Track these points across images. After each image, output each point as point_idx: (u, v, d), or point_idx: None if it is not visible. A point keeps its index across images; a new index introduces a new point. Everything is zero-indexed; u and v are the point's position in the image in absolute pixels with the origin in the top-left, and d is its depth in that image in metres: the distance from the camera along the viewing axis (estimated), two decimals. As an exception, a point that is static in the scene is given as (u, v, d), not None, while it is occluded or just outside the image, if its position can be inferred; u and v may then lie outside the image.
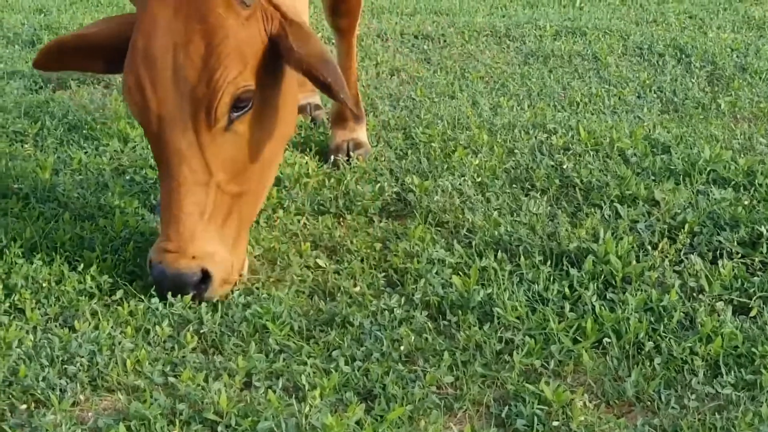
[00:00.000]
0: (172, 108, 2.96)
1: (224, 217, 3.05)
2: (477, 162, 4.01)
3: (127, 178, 4.01)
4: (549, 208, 3.62)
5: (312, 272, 3.22)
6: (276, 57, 3.08)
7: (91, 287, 3.09)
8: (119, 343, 2.75)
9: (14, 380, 2.60)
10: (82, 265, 3.19)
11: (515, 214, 3.55)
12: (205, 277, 2.97)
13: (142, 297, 3.02)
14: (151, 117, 3.00)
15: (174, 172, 2.98)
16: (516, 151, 4.17)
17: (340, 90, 2.98)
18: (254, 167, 3.12)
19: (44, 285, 3.09)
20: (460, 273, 3.10)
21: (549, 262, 3.15)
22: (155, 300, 2.98)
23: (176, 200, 2.97)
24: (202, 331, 2.86)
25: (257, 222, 3.58)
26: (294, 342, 2.78)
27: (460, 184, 3.82)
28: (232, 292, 3.06)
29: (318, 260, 3.27)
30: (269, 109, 3.14)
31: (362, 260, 3.29)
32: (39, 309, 2.97)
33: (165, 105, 2.97)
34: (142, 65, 2.99)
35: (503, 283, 3.03)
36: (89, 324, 2.87)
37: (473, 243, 3.33)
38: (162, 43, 2.97)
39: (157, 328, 2.84)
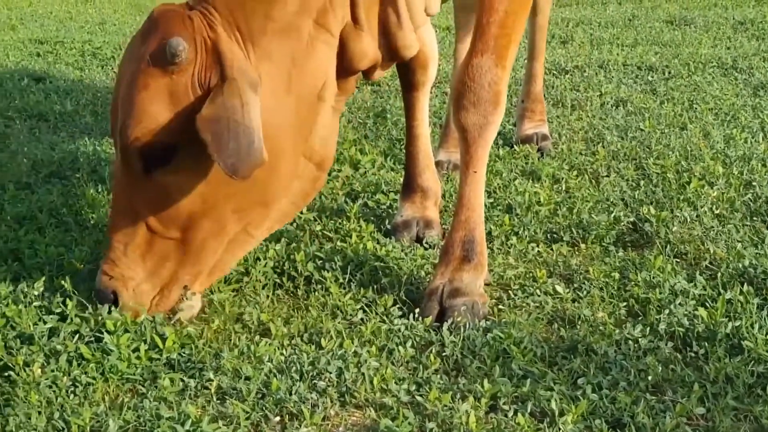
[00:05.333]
0: (115, 144, 3.05)
1: (158, 256, 3.05)
2: (714, 194, 3.92)
3: (360, 203, 4.09)
4: (794, 241, 3.51)
5: (550, 299, 3.21)
6: None
7: (334, 307, 3.18)
8: (365, 362, 2.80)
9: (267, 393, 2.68)
10: (320, 286, 3.30)
11: (758, 247, 3.44)
12: (117, 297, 3.05)
13: (384, 318, 3.08)
14: None
15: (113, 201, 3.12)
16: (754, 183, 4.06)
17: (213, 152, 2.76)
18: (205, 218, 3.03)
19: (286, 305, 3.23)
20: (706, 305, 3.03)
21: (799, 296, 3.04)
22: (398, 321, 3.03)
23: (110, 226, 3.10)
24: (444, 354, 2.88)
25: (490, 249, 3.59)
26: (537, 368, 2.77)
27: (698, 216, 3.74)
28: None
29: (556, 287, 3.25)
30: (212, 164, 2.91)
31: (601, 289, 3.25)
32: (284, 326, 3.06)
33: (114, 140, 3.07)
34: (112, 101, 3.12)
35: (751, 316, 2.93)
36: (334, 342, 2.94)
37: (717, 275, 3.24)
38: (117, 83, 3.06)
39: (401, 348, 2.88)
